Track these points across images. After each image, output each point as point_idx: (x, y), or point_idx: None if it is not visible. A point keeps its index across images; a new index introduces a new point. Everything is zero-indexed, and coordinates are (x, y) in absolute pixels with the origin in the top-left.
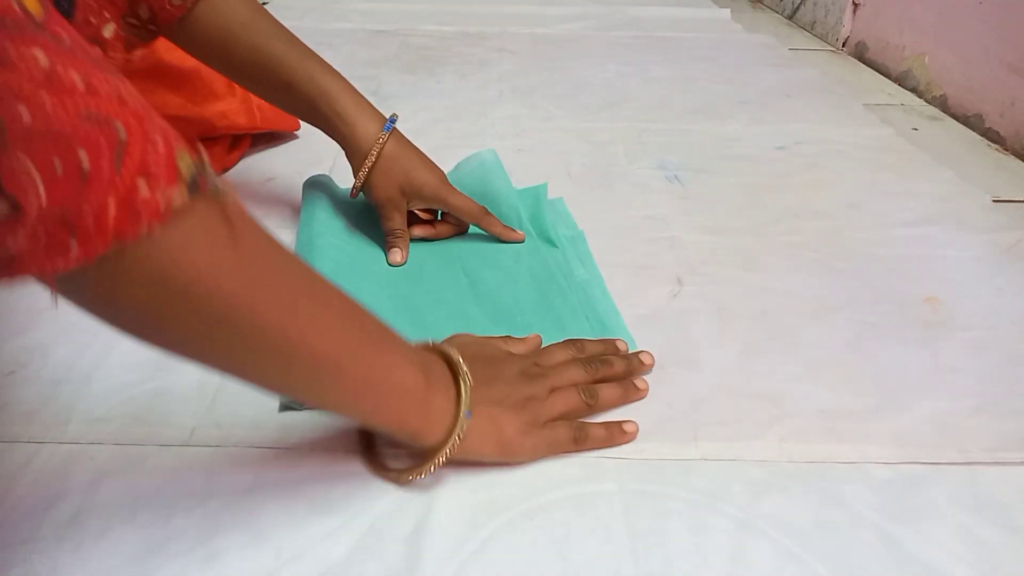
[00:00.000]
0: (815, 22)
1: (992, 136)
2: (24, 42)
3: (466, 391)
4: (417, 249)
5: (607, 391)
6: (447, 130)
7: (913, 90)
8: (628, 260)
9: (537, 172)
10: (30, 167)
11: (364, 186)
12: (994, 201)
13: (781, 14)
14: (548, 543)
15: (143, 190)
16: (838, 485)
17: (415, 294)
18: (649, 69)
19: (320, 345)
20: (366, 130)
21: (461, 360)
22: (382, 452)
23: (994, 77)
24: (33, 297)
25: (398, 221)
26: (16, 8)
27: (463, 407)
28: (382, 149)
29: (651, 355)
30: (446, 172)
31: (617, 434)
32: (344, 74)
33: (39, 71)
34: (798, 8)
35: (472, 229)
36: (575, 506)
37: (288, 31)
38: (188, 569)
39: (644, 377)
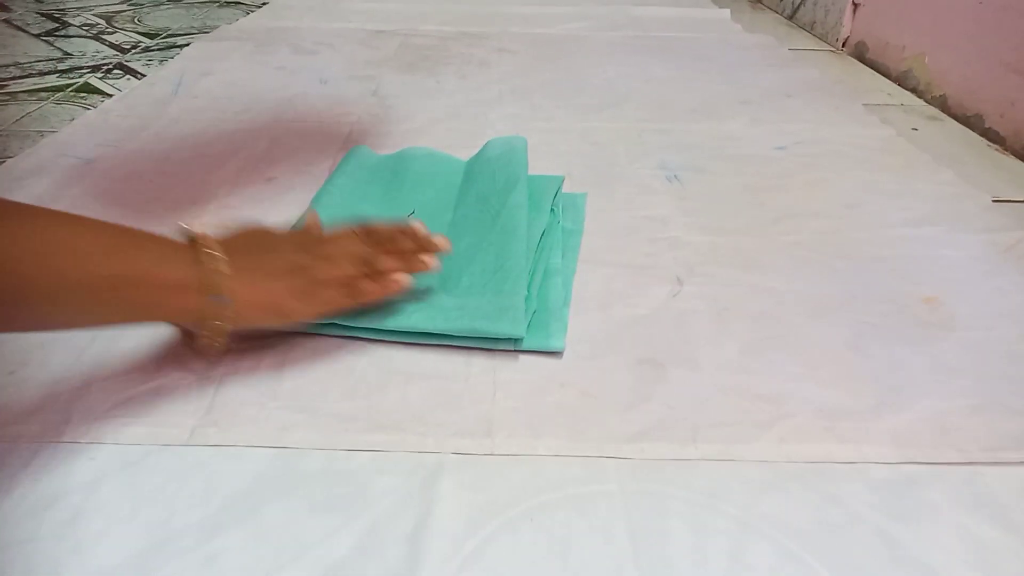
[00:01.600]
0: (815, 22)
1: (992, 136)
2: None
3: (214, 255)
4: (415, 205)
5: (385, 258)
6: (447, 130)
7: (913, 90)
8: (628, 260)
9: (537, 172)
10: None
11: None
12: (994, 201)
13: (781, 14)
14: (548, 543)
15: None
16: (837, 485)
17: None
18: (649, 69)
19: (73, 271)
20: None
21: (204, 237)
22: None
23: (994, 77)
24: None
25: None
26: None
27: (213, 268)
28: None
29: (446, 239)
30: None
31: (390, 284)
32: (344, 74)
33: None
34: (798, 8)
35: (464, 196)
36: (575, 506)
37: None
38: (188, 569)
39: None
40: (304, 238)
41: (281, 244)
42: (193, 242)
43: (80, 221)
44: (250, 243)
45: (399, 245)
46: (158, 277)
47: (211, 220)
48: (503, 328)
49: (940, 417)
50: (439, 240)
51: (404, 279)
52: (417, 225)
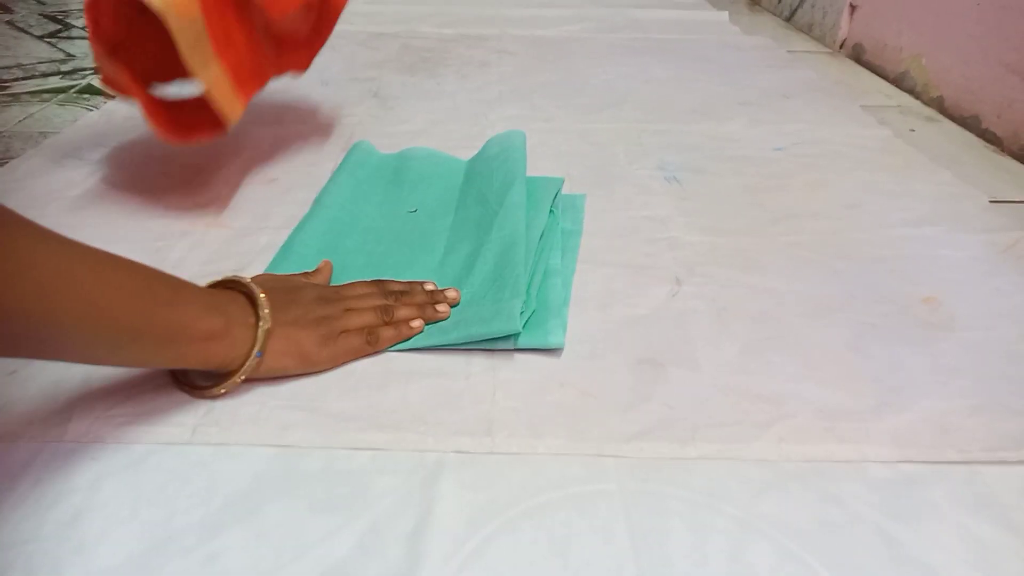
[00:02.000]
0: (813, 24)
1: (989, 137)
2: None
3: (264, 313)
4: (416, 205)
5: (403, 308)
6: (447, 131)
7: (910, 91)
8: (628, 260)
9: (537, 173)
10: None
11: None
12: (991, 202)
13: (779, 16)
14: (548, 543)
15: None
16: (837, 485)
17: (389, 256)
18: (648, 70)
19: (110, 318)
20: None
21: (257, 289)
22: (192, 373)
23: (991, 78)
24: None
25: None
26: None
27: (262, 327)
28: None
29: (457, 291)
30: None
31: (405, 330)
32: (345, 75)
33: None
34: (796, 10)
35: (465, 196)
36: (575, 506)
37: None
38: (188, 569)
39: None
40: (325, 290)
41: (304, 294)
42: (246, 292)
43: (125, 266)
44: (274, 290)
45: (414, 298)
46: (199, 330)
47: (215, 221)
48: (498, 327)
49: (940, 417)
50: (450, 294)
51: (419, 324)
52: (428, 285)
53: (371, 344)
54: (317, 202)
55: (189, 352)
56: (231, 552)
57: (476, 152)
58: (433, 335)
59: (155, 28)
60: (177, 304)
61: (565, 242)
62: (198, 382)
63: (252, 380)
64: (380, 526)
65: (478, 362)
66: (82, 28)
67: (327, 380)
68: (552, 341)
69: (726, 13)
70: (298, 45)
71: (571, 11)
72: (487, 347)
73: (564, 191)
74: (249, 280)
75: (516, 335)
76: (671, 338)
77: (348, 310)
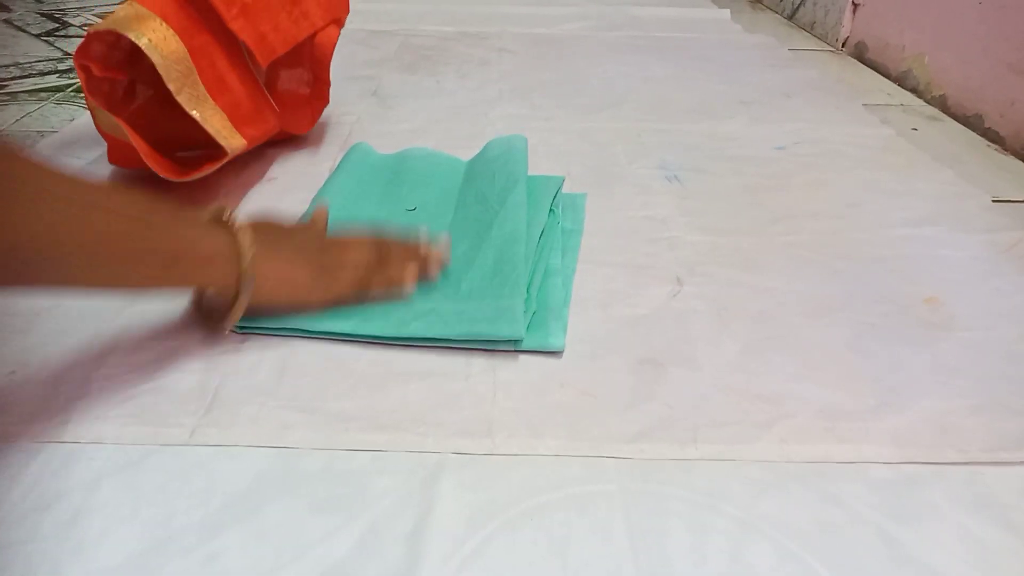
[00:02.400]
0: (815, 22)
1: (992, 136)
2: None
3: (247, 245)
4: (415, 204)
5: (395, 255)
6: (447, 130)
7: (913, 90)
8: (628, 260)
9: (537, 172)
10: None
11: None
12: (994, 201)
13: (781, 14)
14: (548, 543)
15: None
16: (838, 485)
17: None
18: (649, 69)
19: (115, 243)
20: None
21: (239, 225)
22: (205, 314)
23: (994, 77)
24: (34, 298)
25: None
26: None
27: (244, 259)
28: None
29: (448, 238)
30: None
31: (398, 277)
32: (344, 74)
33: None
34: (798, 8)
35: (464, 196)
36: (575, 506)
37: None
38: (188, 569)
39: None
40: (319, 231)
41: (298, 232)
42: (222, 219)
43: (125, 194)
44: (270, 227)
45: (407, 252)
46: (200, 251)
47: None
48: (502, 330)
49: (940, 417)
50: (443, 240)
51: (412, 273)
52: (422, 230)
53: (360, 285)
54: (316, 201)
55: (191, 272)
56: (231, 552)
57: (476, 152)
58: (435, 326)
59: (150, 74)
60: (177, 228)
61: (565, 241)
62: (211, 321)
63: (256, 309)
64: (380, 526)
65: (478, 362)
66: (80, 27)
67: (327, 381)
68: (553, 343)
69: (727, 11)
70: (298, 104)
71: (571, 9)
72: (487, 347)
73: (564, 190)
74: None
75: (519, 340)
76: (671, 338)
77: (340, 247)
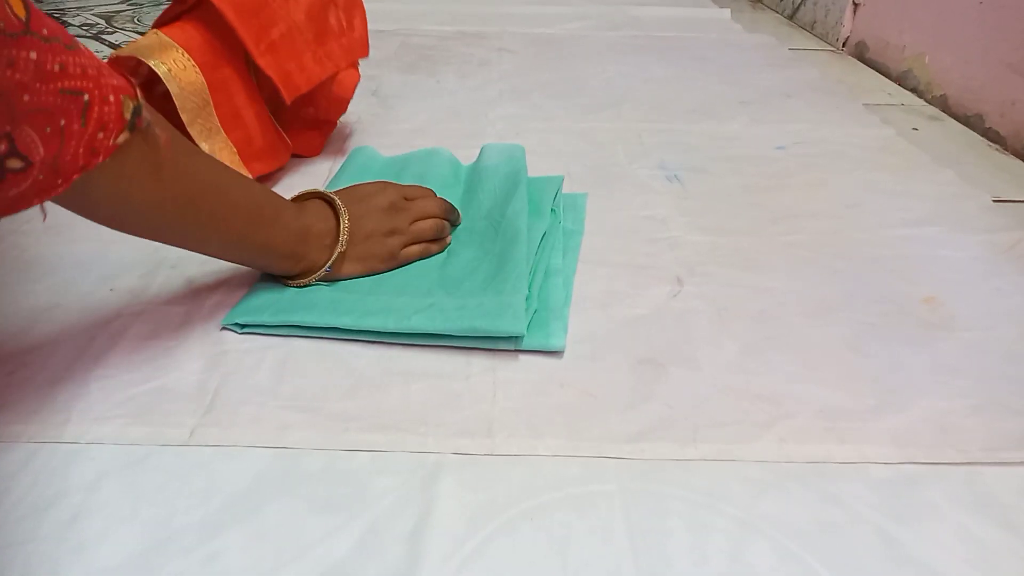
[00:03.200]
0: (815, 22)
1: (992, 136)
2: (22, 46)
3: (343, 239)
4: None
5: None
6: (447, 130)
7: (913, 90)
8: (628, 260)
9: (537, 172)
10: (32, 134)
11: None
12: (994, 201)
13: (781, 14)
14: (548, 543)
15: (100, 136)
16: (837, 485)
17: None
18: (649, 69)
19: (228, 225)
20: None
21: (343, 214)
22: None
23: (994, 77)
24: (34, 297)
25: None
26: (11, 16)
27: (338, 250)
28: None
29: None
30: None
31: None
32: None
33: (31, 65)
34: (798, 8)
35: (467, 208)
36: (575, 506)
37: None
38: (188, 569)
39: None
40: (396, 198)
41: (376, 202)
42: (329, 203)
43: (246, 185)
44: (354, 207)
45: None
46: (286, 251)
47: None
48: (503, 326)
49: (940, 417)
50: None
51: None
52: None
53: (422, 255)
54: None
55: (274, 264)
56: (231, 552)
57: (476, 152)
58: (436, 320)
59: (163, 102)
60: (276, 226)
61: (566, 242)
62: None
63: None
64: (380, 526)
65: (478, 362)
66: (79, 26)
67: (327, 381)
68: (554, 343)
69: (728, 11)
70: (307, 127)
71: (571, 9)
72: (488, 346)
73: (565, 190)
74: (336, 199)
75: (519, 337)
76: (671, 338)
77: (414, 222)
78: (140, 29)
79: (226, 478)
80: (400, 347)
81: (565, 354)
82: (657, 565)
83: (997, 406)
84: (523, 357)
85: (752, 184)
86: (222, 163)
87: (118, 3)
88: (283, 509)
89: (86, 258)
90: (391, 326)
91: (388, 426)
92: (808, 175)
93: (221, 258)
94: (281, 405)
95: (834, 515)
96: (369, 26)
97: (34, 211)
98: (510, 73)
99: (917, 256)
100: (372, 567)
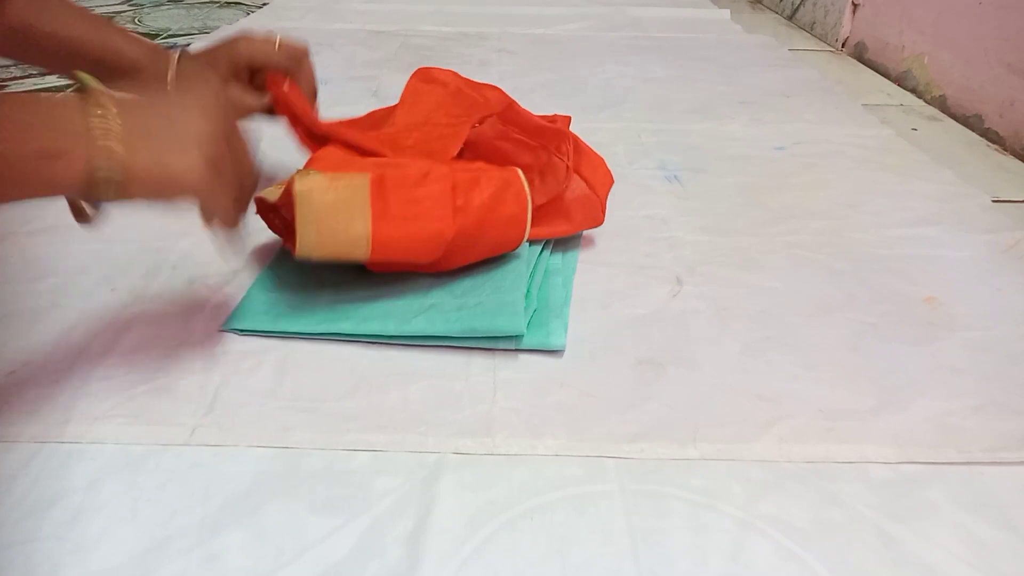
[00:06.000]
0: (815, 23)
1: (991, 136)
2: None
3: (101, 124)
4: None
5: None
6: None
7: (912, 90)
8: (628, 260)
9: None
10: None
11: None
12: (993, 201)
13: (780, 15)
14: (548, 543)
15: None
16: (837, 485)
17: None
18: (648, 69)
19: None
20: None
21: (96, 91)
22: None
23: (993, 77)
24: (34, 298)
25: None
26: None
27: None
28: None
29: None
30: None
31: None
32: (344, 74)
33: None
34: (797, 9)
35: None
36: (575, 506)
37: (84, 11)
38: (188, 569)
39: None
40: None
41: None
42: (84, 95)
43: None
44: (146, 110)
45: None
46: (44, 150)
47: None
48: (502, 325)
49: (940, 417)
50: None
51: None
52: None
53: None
54: None
55: (37, 179)
56: (231, 552)
57: None
58: (436, 322)
59: None
60: (21, 126)
61: (566, 241)
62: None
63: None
64: (380, 526)
65: (478, 362)
66: None
67: (327, 381)
68: (554, 343)
69: (727, 11)
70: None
71: (571, 9)
72: (488, 346)
73: None
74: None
75: (519, 336)
76: (671, 338)
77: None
78: (140, 29)
79: (226, 478)
80: (400, 347)
81: (565, 354)
82: (657, 565)
83: (997, 406)
84: (523, 357)
85: (752, 184)
86: None
87: (119, 3)
88: (283, 509)
89: (87, 258)
90: (391, 330)
91: (388, 426)
92: (808, 175)
93: None
94: (281, 405)
95: (834, 515)
96: (369, 27)
97: (35, 211)
98: (510, 74)
99: (917, 256)
100: (372, 567)
